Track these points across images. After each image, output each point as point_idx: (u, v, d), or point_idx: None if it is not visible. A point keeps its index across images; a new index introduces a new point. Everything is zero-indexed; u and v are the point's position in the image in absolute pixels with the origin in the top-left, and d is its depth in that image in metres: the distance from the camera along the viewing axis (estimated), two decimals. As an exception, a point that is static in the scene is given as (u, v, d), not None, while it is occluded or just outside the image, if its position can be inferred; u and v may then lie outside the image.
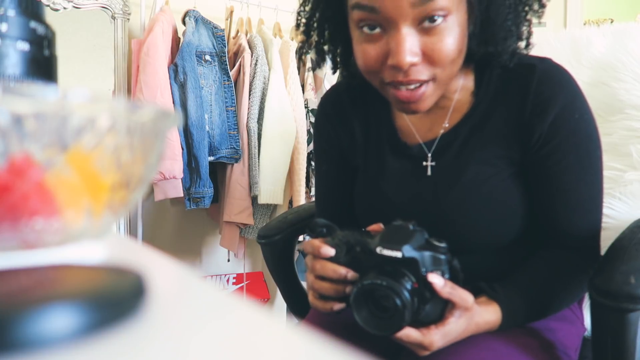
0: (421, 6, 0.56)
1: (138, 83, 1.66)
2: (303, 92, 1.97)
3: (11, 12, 0.37)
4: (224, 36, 1.81)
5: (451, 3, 0.58)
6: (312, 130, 1.97)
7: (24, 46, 0.38)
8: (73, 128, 0.25)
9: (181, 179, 1.71)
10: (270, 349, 0.21)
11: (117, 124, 0.27)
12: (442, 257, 0.58)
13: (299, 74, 1.97)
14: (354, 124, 0.80)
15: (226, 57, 1.80)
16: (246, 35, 1.93)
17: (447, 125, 0.72)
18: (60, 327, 0.19)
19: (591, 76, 0.99)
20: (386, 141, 0.76)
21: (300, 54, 0.77)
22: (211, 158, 1.77)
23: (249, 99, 1.84)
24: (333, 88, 0.84)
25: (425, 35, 0.59)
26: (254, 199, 1.88)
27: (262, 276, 2.24)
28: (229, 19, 1.93)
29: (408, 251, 0.57)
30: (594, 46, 1.02)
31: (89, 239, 0.31)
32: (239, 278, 2.18)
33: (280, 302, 2.23)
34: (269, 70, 1.86)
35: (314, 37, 0.72)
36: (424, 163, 0.72)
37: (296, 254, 1.68)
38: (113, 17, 1.88)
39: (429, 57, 0.60)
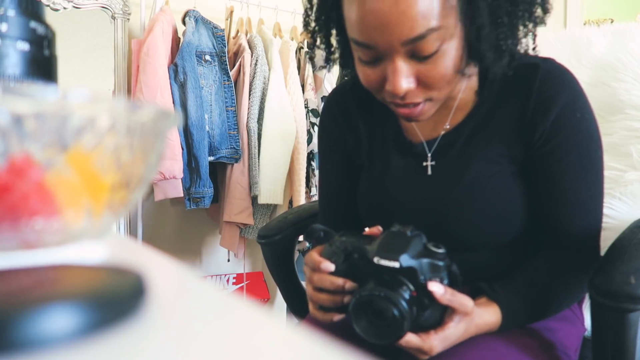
0: (411, 44, 0.58)
1: (138, 83, 1.66)
2: (303, 92, 1.97)
3: (11, 12, 0.37)
4: (224, 36, 1.81)
5: (442, 35, 0.59)
6: (312, 131, 1.97)
7: (24, 46, 0.38)
8: (73, 128, 0.25)
9: (181, 179, 1.71)
10: (270, 349, 0.21)
11: (117, 124, 0.27)
12: (441, 263, 0.58)
13: (299, 74, 1.97)
14: (358, 123, 0.80)
15: (226, 57, 1.80)
16: (246, 35, 1.93)
17: (447, 127, 0.73)
18: (60, 327, 0.19)
19: (591, 76, 0.99)
20: (391, 139, 0.77)
21: (311, 55, 0.80)
22: (211, 158, 1.77)
23: (249, 99, 1.84)
24: (339, 87, 0.85)
25: (419, 63, 0.60)
26: (254, 199, 1.88)
27: (262, 276, 2.24)
28: (229, 19, 1.93)
29: (406, 260, 0.57)
30: (594, 46, 1.02)
31: (89, 239, 0.31)
32: (239, 278, 2.18)
33: (280, 302, 2.23)
34: (269, 70, 1.86)
35: (321, 36, 0.73)
36: (424, 163, 0.73)
37: (296, 254, 1.68)
38: (113, 17, 1.88)
39: (423, 83, 0.62)
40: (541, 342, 0.68)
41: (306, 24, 0.72)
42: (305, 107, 1.97)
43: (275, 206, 2.02)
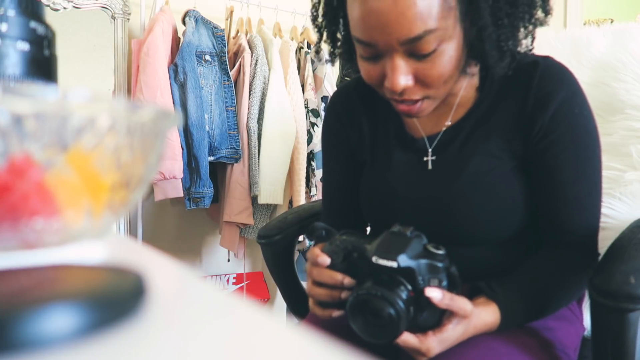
0: (409, 44, 0.60)
1: (138, 83, 1.66)
2: (303, 92, 1.97)
3: (11, 12, 0.37)
4: (224, 36, 1.81)
5: (440, 36, 0.60)
6: (312, 131, 1.97)
7: (24, 46, 0.38)
8: (73, 128, 0.25)
9: (181, 179, 1.71)
10: (270, 349, 0.21)
11: (117, 124, 0.27)
12: (440, 264, 0.58)
13: (299, 74, 1.97)
14: (362, 121, 0.82)
15: (226, 57, 1.80)
16: (246, 35, 1.93)
17: (449, 123, 0.74)
18: (60, 327, 0.19)
19: (591, 76, 0.99)
20: (393, 135, 0.78)
21: (317, 50, 0.81)
22: (211, 158, 1.77)
23: (249, 99, 1.84)
24: (343, 87, 0.87)
25: (418, 62, 0.62)
26: (254, 199, 1.88)
27: (262, 276, 2.24)
28: (229, 19, 1.93)
29: (404, 261, 0.57)
30: (594, 46, 1.02)
31: (89, 239, 0.31)
32: (239, 278, 2.18)
33: (280, 302, 2.23)
34: (269, 70, 1.86)
35: (327, 31, 0.74)
36: (425, 158, 0.74)
37: (296, 254, 1.68)
38: (113, 17, 1.88)
39: (421, 81, 0.63)
40: (540, 341, 0.68)
41: (314, 18, 0.75)
42: (305, 107, 1.97)
43: (275, 206, 2.02)
